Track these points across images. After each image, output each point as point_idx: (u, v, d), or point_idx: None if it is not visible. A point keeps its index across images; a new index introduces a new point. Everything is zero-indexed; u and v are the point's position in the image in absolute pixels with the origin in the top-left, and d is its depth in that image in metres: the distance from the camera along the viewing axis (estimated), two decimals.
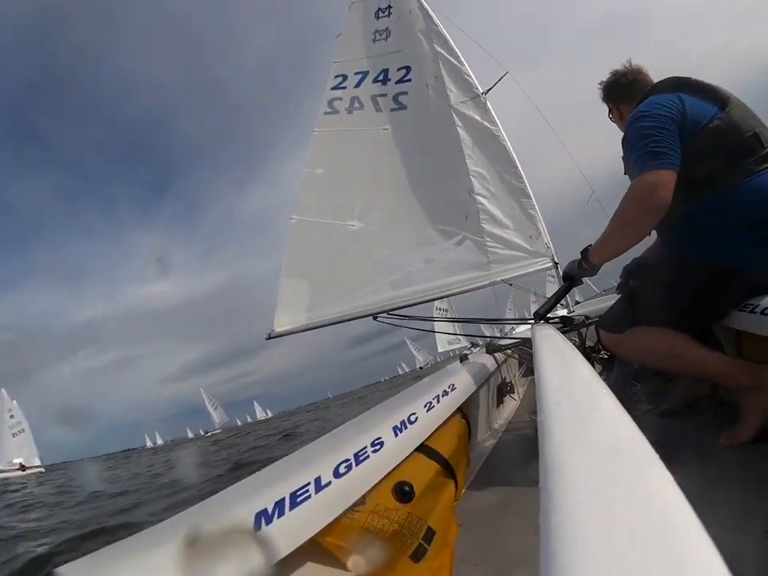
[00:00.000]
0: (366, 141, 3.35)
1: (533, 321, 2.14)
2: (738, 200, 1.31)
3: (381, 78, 3.45)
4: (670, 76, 1.50)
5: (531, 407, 2.41)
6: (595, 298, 4.35)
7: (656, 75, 1.67)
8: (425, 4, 3.51)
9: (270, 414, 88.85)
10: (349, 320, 2.99)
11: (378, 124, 3.35)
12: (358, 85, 3.47)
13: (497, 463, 1.89)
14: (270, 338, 3.01)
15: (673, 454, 1.38)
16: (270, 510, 0.85)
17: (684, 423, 1.65)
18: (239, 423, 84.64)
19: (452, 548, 1.19)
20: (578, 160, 3.59)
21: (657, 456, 0.36)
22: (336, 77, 3.52)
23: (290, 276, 3.10)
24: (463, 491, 1.59)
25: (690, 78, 1.45)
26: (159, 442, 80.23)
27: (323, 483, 0.97)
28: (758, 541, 0.83)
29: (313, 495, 0.92)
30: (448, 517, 1.28)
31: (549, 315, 2.23)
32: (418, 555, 1.06)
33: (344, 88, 3.48)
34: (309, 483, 0.95)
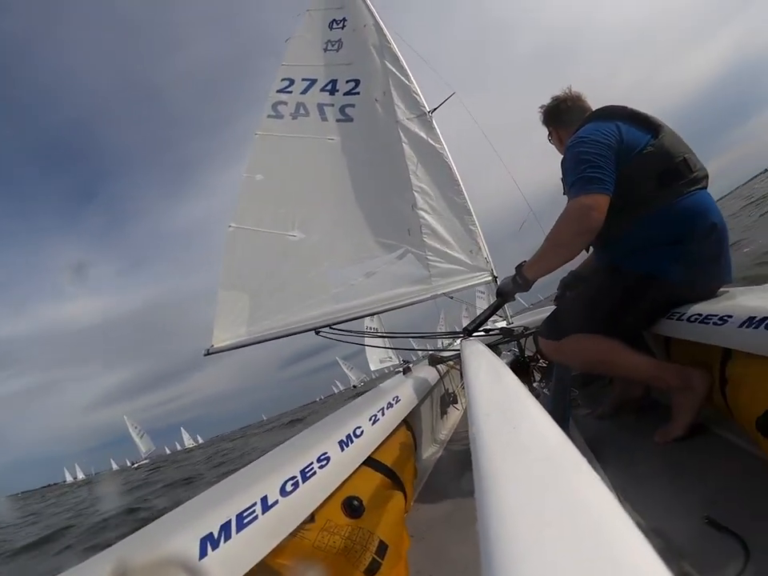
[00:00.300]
0: (310, 149, 3.31)
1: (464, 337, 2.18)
2: (668, 218, 1.43)
3: (329, 87, 3.45)
4: (608, 105, 1.61)
5: None
6: (525, 312, 4.57)
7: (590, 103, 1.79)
8: (380, 21, 3.57)
9: (200, 441, 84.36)
10: (290, 334, 2.91)
11: (324, 133, 3.33)
12: (304, 91, 3.44)
13: (444, 472, 1.90)
14: (208, 353, 2.85)
15: (611, 453, 1.47)
16: (215, 534, 0.80)
17: (620, 424, 1.75)
18: (168, 451, 79.35)
19: (406, 560, 1.17)
20: (514, 179, 3.79)
21: (585, 460, 0.37)
22: (282, 80, 3.47)
23: (228, 288, 2.96)
24: (412, 502, 1.58)
25: (626, 107, 1.56)
26: (80, 476, 73.16)
27: (270, 503, 0.92)
28: (698, 528, 0.89)
29: (260, 516, 0.87)
30: (399, 529, 1.26)
31: (489, 327, 2.29)
32: (372, 570, 1.03)
33: (290, 92, 3.44)
34: (255, 503, 0.90)
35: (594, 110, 1.68)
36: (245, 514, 0.86)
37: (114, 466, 74.78)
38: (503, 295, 1.87)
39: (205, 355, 2.86)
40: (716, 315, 1.14)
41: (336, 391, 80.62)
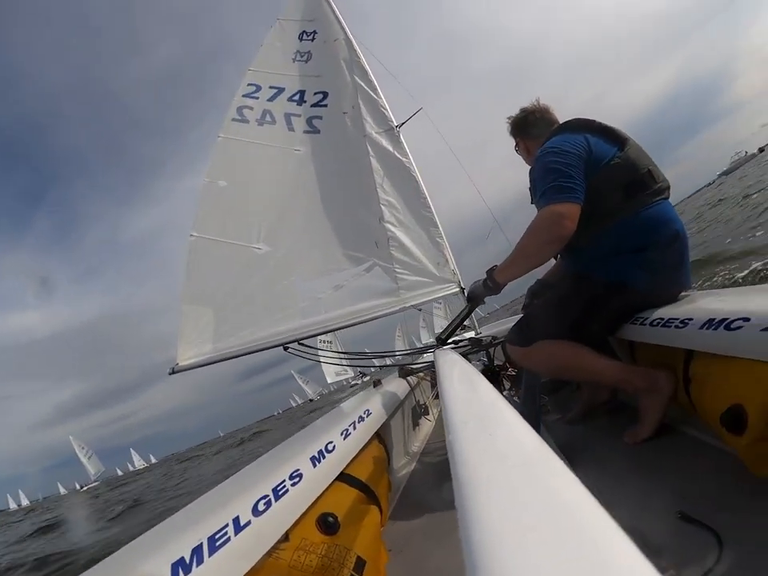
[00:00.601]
0: (276, 158, 3.26)
1: (438, 347, 2.19)
2: (634, 228, 1.48)
3: (296, 98, 3.43)
4: (576, 117, 1.66)
5: None
6: (493, 322, 4.65)
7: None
8: (350, 36, 3.59)
9: (153, 460, 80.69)
10: (258, 350, 2.82)
11: (290, 143, 3.30)
12: (271, 99, 3.40)
13: (418, 484, 1.89)
14: (173, 372, 2.73)
15: (583, 456, 1.50)
16: (187, 559, 0.76)
17: (590, 428, 1.79)
18: (120, 473, 74.98)
19: (385, 575, 1.15)
20: (478, 187, 3.87)
21: (562, 462, 0.38)
22: (249, 85, 3.42)
23: (192, 302, 2.85)
24: (388, 516, 1.56)
25: (593, 121, 1.62)
26: (24, 502, 68.05)
27: (242, 523, 0.89)
28: (672, 523, 0.91)
29: (232, 537, 0.84)
30: (376, 544, 1.23)
31: (457, 339, 2.32)
32: None
33: (256, 98, 3.39)
34: (227, 525, 0.87)
35: (561, 122, 1.73)
36: (217, 536, 0.83)
37: (62, 490, 70.08)
38: (474, 299, 1.90)
39: (170, 374, 2.74)
40: (677, 319, 1.20)
41: (294, 405, 78.97)
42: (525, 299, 2.08)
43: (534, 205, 1.74)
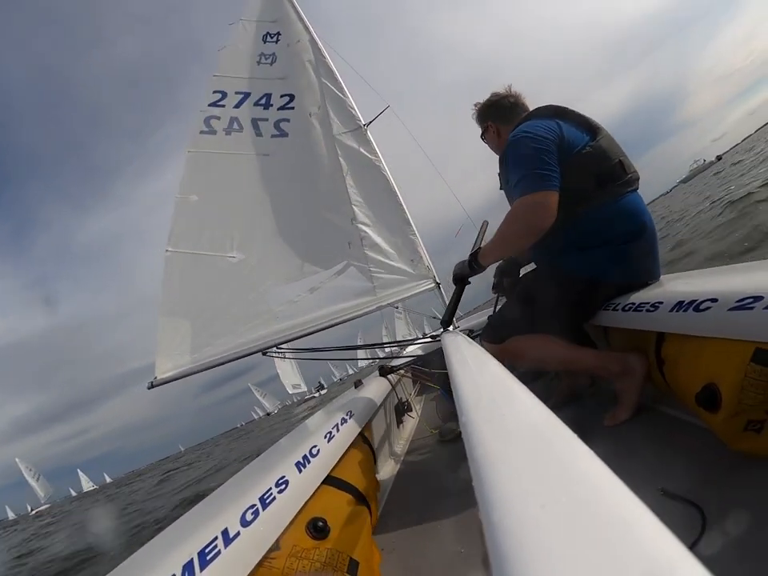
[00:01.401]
0: (246, 166, 3.22)
1: (440, 332, 2.20)
2: (604, 218, 1.50)
3: (263, 101, 3.37)
4: (549, 104, 1.65)
5: (430, 423, 2.49)
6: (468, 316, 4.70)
7: None
8: (315, 37, 3.55)
9: (108, 480, 77.50)
10: (237, 358, 2.80)
11: (259, 149, 3.26)
12: (238, 105, 3.34)
13: (406, 481, 1.89)
14: (152, 386, 2.67)
15: None
16: None
17: (570, 413, 1.83)
18: (73, 493, 72.40)
19: (379, 575, 1.15)
20: (450, 185, 3.92)
21: (574, 434, 0.38)
22: (215, 92, 3.35)
23: (168, 315, 2.81)
24: (378, 516, 1.56)
25: (566, 108, 1.61)
26: None
27: (231, 535, 0.88)
28: (656, 500, 0.94)
29: (223, 550, 0.83)
30: (368, 544, 1.24)
31: (435, 333, 2.33)
32: None
33: (223, 106, 3.33)
34: (216, 538, 0.86)
35: (531, 109, 1.72)
36: (207, 551, 0.82)
37: (11, 515, 66.98)
38: (462, 280, 1.90)
39: (149, 388, 2.68)
40: (648, 303, 1.23)
41: (256, 417, 78.12)
42: (494, 278, 2.11)
43: (502, 191, 1.75)
